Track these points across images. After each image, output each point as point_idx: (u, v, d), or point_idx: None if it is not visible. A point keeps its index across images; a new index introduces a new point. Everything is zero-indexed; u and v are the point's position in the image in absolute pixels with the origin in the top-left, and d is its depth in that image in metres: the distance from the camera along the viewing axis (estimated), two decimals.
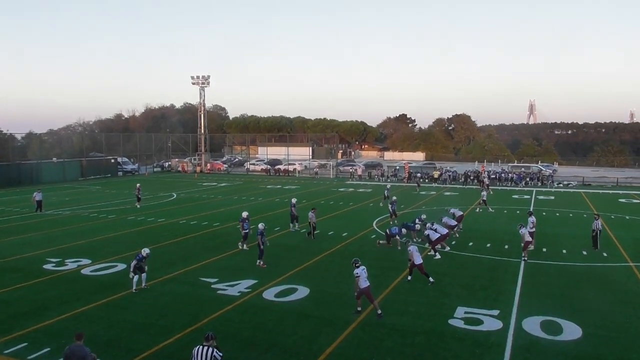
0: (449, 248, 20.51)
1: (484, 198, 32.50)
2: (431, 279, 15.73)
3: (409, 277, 16.10)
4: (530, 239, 19.33)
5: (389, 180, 51.70)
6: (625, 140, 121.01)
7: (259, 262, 17.95)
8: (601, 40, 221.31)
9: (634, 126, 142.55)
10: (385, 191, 34.41)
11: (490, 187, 44.04)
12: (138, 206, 32.85)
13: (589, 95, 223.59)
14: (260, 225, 18.40)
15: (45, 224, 26.93)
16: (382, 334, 11.92)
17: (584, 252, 20.14)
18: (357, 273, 12.93)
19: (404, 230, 21.07)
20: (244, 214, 20.78)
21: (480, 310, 13.42)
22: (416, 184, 46.24)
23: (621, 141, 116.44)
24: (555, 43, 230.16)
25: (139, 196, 33.72)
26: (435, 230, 20.05)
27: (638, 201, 37.26)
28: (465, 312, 13.26)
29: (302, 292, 14.98)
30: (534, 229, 20.26)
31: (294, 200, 25.28)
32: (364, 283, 12.88)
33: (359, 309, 13.19)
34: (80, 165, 56.62)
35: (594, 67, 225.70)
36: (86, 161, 58.10)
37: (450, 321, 12.70)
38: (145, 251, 15.45)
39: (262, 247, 17.88)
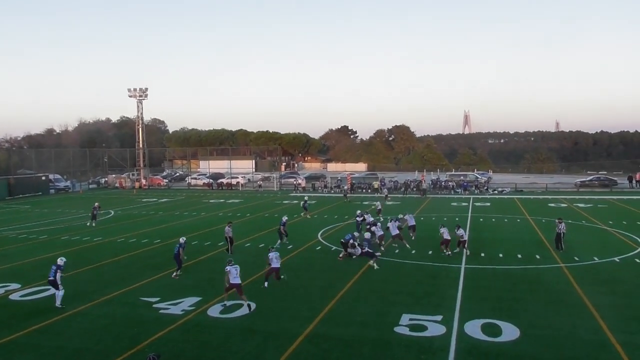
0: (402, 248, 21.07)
1: (379, 207, 33.72)
2: (283, 277, 17.22)
3: (265, 284, 16.76)
4: (448, 237, 21.18)
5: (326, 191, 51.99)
6: (552, 147, 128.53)
7: (176, 274, 18.26)
8: (528, 52, 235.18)
9: (559, 135, 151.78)
10: (303, 202, 35.37)
11: (389, 196, 45.73)
12: (93, 225, 30.94)
13: (518, 106, 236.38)
14: (182, 239, 18.97)
15: None
16: (330, 346, 11.91)
17: (519, 256, 21.07)
18: (227, 269, 14.61)
19: (356, 234, 21.49)
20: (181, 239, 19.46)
21: (424, 316, 13.70)
22: (343, 195, 46.57)
23: (549, 148, 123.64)
24: (485, 56, 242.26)
25: (95, 214, 31.77)
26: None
27: (565, 205, 39.53)
28: (410, 319, 13.49)
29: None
30: (465, 238, 21.34)
31: (284, 219, 24.96)
32: (233, 279, 14.45)
33: (225, 302, 14.74)
34: (7, 183, 53.36)
35: (522, 78, 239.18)
36: (14, 179, 54.83)
37: (396, 329, 12.88)
38: (61, 260, 15.59)
39: (180, 259, 18.20)
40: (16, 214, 39.13)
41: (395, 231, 22.53)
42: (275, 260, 16.90)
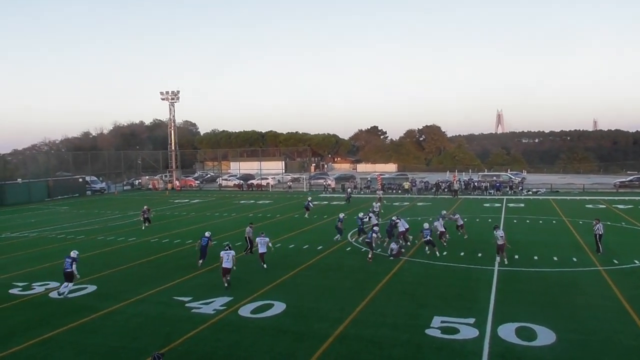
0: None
1: (376, 209, 31.13)
2: (265, 265, 19.40)
3: (264, 265, 19.50)
4: (443, 229, 23.11)
5: (350, 191, 50.40)
6: (589, 147, 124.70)
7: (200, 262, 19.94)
8: (564, 49, 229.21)
9: (597, 134, 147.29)
10: (307, 203, 35.88)
11: (382, 198, 42.49)
12: (143, 228, 31.08)
13: (554, 105, 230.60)
14: (207, 233, 20.91)
15: (10, 247, 26.07)
16: (360, 347, 11.89)
17: (555, 258, 20.55)
18: (221, 254, 16.97)
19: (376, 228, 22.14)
20: (207, 234, 21.14)
21: (456, 319, 13.53)
22: (346, 198, 44.14)
23: (586, 148, 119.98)
24: (519, 53, 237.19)
25: (147, 217, 31.73)
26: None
27: (604, 206, 38.36)
28: (442, 322, 13.34)
29: (279, 307, 14.85)
30: (503, 242, 19.79)
31: (341, 215, 26.08)
32: (224, 263, 16.67)
33: (226, 285, 16.66)
34: (46, 185, 55.16)
35: (558, 75, 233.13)
36: (53, 181, 56.65)
37: (428, 331, 12.75)
38: (74, 252, 16.78)
39: (206, 250, 19.92)
40: (55, 215, 40.42)
41: (402, 228, 23.51)
42: (261, 245, 19.34)
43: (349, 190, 48.20)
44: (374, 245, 21.10)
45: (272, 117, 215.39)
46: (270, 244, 20.25)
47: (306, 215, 34.60)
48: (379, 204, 33.91)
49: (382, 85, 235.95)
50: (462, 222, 25.60)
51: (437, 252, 21.14)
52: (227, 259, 16.71)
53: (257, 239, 19.74)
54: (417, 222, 27.67)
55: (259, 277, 18.34)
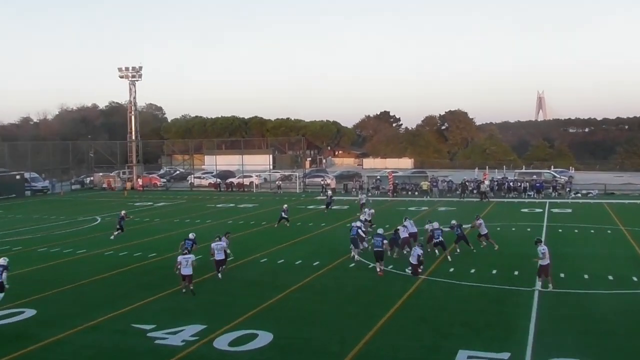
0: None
1: (363, 201, 38.75)
2: (220, 275, 20.66)
3: (219, 275, 20.71)
4: (406, 235, 24.31)
5: (364, 193, 51.09)
6: None
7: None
8: (623, 19, 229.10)
9: None
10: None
11: (366, 201, 41.07)
12: (113, 237, 30.74)
13: (608, 86, 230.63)
14: (191, 235, 22.68)
15: None
16: None
17: (610, 277, 20.48)
18: (178, 259, 18.46)
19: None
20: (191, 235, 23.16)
21: (486, 353, 13.44)
22: (326, 204, 42.51)
23: None
24: (568, 23, 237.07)
25: (122, 224, 31.47)
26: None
27: None
28: (469, 357, 13.25)
29: (264, 338, 14.72)
30: (547, 261, 19.08)
31: (357, 224, 25.20)
32: (184, 270, 18.16)
33: (184, 290, 18.47)
34: None
35: (614, 52, 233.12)
36: None
37: None
38: (4, 260, 17.55)
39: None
40: None
41: (405, 234, 24.51)
42: (218, 252, 20.34)
43: (329, 193, 46.80)
44: (387, 250, 21.94)
45: (258, 101, 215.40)
46: (228, 250, 21.34)
47: (276, 225, 34.25)
48: (371, 210, 33.04)
49: (395, 61, 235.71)
50: (486, 231, 25.67)
51: (449, 256, 23.16)
52: (187, 264, 17.99)
53: (212, 244, 20.75)
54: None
55: (240, 300, 18.23)
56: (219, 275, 20.64)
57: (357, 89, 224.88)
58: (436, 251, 24.03)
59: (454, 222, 25.89)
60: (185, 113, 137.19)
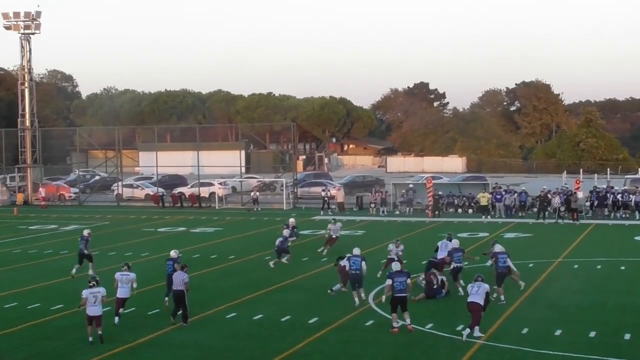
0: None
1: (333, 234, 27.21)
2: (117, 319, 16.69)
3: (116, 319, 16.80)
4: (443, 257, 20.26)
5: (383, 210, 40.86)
6: None
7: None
8: None
9: None
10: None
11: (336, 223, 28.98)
12: (73, 272, 23.68)
13: None
14: (173, 253, 19.26)
15: None
16: None
17: None
18: (83, 295, 15.24)
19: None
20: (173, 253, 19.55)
21: None
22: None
23: None
24: None
25: (85, 252, 24.11)
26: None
27: None
28: None
29: None
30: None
31: (395, 267, 18.30)
32: (91, 309, 15.00)
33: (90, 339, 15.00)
34: None
35: None
36: None
37: None
38: None
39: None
40: None
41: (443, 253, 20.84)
42: (122, 286, 16.93)
43: (289, 230, 27.78)
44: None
45: (222, 66, 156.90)
46: (135, 284, 17.47)
47: (284, 260, 25.72)
48: (400, 247, 23.62)
49: (434, 13, 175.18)
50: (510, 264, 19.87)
51: (461, 289, 19.20)
52: (95, 301, 15.28)
53: (117, 274, 17.33)
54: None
55: None
56: (116, 320, 16.75)
57: (378, 48, 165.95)
58: (459, 289, 19.49)
59: (498, 247, 19.84)
60: (108, 85, 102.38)
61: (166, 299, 17.92)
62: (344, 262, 19.46)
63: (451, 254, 20.15)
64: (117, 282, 16.83)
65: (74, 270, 23.51)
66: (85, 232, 24.59)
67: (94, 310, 15.10)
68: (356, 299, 18.52)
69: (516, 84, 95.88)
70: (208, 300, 19.91)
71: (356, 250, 19.62)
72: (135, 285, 16.80)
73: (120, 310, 16.86)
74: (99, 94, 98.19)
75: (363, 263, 18.90)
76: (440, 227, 34.95)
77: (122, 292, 16.50)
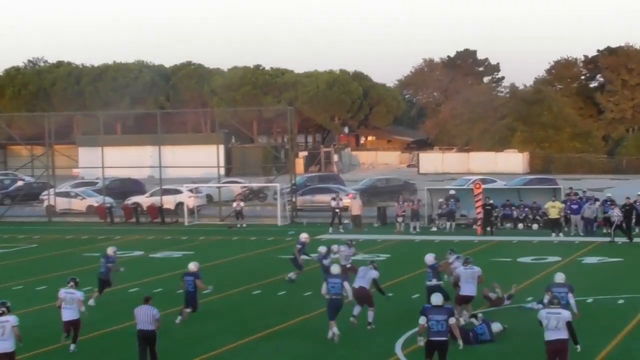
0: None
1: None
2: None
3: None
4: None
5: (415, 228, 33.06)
6: None
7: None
8: None
9: None
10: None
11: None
12: (93, 303, 20.13)
13: None
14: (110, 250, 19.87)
15: None
16: None
17: None
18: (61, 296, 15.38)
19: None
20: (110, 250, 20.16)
21: None
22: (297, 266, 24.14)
23: None
24: None
25: (106, 277, 20.85)
26: None
27: None
28: None
29: None
30: None
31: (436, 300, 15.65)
32: (66, 314, 14.81)
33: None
34: None
35: None
36: None
37: None
38: None
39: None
40: None
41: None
42: (67, 310, 15.23)
43: (299, 246, 23.95)
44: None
45: (192, 33, 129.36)
46: (82, 307, 15.69)
47: (291, 275, 23.17)
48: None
49: None
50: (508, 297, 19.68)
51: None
52: (2, 334, 12.55)
53: (60, 291, 15.76)
54: None
55: None
56: (71, 347, 15.05)
57: (406, 2, 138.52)
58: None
59: (559, 276, 16.00)
60: (35, 57, 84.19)
61: (188, 310, 17.50)
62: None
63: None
64: (60, 300, 15.40)
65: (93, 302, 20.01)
66: (110, 251, 21.09)
67: (68, 314, 14.85)
68: (331, 331, 16.10)
69: (598, 51, 74.45)
70: (175, 350, 16.14)
71: (335, 269, 17.05)
72: (83, 309, 15.03)
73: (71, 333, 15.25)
74: (21, 68, 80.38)
75: (345, 284, 16.62)
76: (494, 249, 28.92)
77: (67, 314, 14.76)
